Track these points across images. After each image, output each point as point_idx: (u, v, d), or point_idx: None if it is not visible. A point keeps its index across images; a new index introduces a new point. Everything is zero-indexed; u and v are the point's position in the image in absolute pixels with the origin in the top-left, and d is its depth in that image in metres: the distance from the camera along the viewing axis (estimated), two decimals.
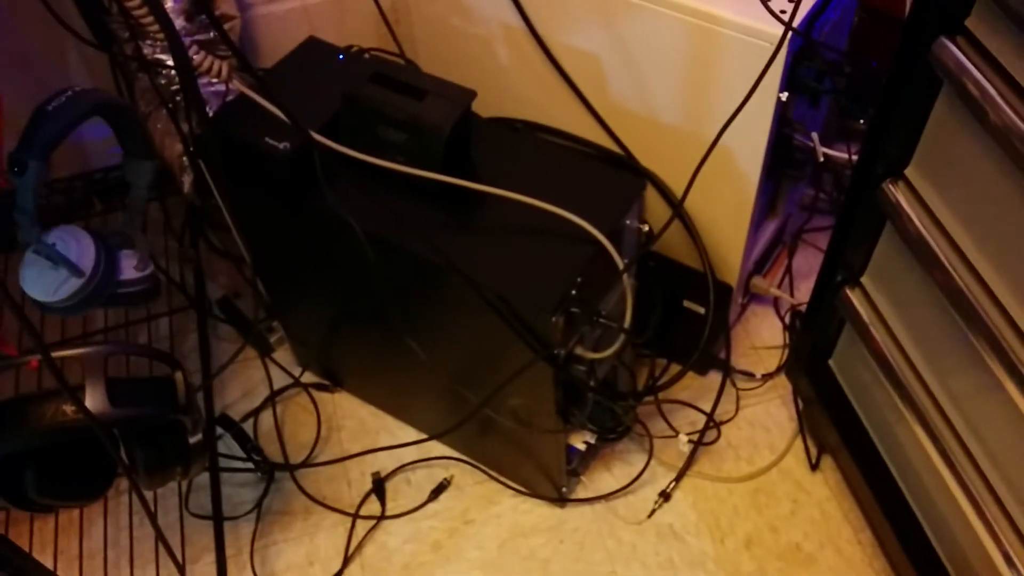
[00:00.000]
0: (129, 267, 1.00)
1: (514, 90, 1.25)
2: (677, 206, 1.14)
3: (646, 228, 1.05)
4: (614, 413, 1.11)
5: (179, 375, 0.85)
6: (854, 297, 1.02)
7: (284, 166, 1.00)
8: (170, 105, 1.17)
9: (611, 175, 1.05)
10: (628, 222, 1.02)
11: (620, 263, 0.95)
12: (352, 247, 0.98)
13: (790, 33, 0.92)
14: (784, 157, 1.14)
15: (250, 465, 1.29)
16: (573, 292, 0.93)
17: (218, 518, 1.20)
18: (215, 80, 1.03)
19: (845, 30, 1.18)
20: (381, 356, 1.25)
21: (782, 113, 1.06)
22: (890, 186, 0.88)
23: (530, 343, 0.95)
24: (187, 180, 1.22)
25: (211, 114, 1.14)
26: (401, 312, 1.08)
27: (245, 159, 1.03)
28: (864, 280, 1.01)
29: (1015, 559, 0.87)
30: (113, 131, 0.98)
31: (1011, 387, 0.79)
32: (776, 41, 0.94)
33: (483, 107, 0.99)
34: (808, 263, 1.49)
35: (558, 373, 0.99)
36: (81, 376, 0.82)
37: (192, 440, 0.86)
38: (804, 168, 1.16)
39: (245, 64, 0.81)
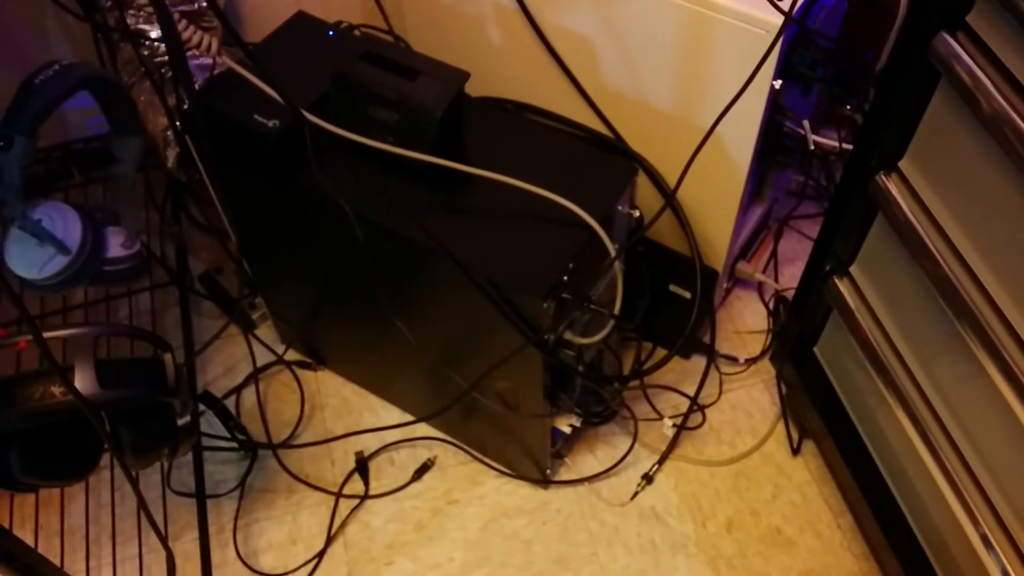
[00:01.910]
0: (116, 244, 0.98)
1: (504, 69, 1.23)
2: (670, 196, 1.14)
3: (636, 214, 1.05)
4: (600, 397, 1.12)
5: (168, 356, 0.84)
6: (842, 286, 1.02)
7: (273, 144, 0.99)
8: (155, 77, 1.15)
9: (602, 160, 1.04)
10: (619, 207, 1.02)
11: (612, 250, 0.95)
12: (341, 227, 0.98)
13: (782, 20, 0.91)
14: (774, 144, 1.14)
15: (233, 444, 1.28)
16: (565, 278, 0.92)
17: (201, 496, 1.19)
18: (201, 54, 1.01)
19: (838, 16, 1.18)
20: (366, 335, 1.24)
21: (774, 100, 1.06)
22: (883, 178, 0.88)
23: (520, 328, 0.95)
24: (171, 154, 1.19)
25: (197, 88, 1.12)
26: (389, 293, 1.07)
27: (232, 136, 1.02)
28: (853, 270, 1.01)
29: (993, 541, 0.88)
30: (100, 106, 0.96)
31: (996, 375, 0.80)
32: (771, 28, 0.94)
33: (472, 86, 0.98)
34: (792, 248, 1.50)
35: (547, 358, 0.99)
36: (64, 356, 0.81)
37: (180, 422, 0.85)
38: (794, 155, 1.16)
39: (237, 40, 0.79)
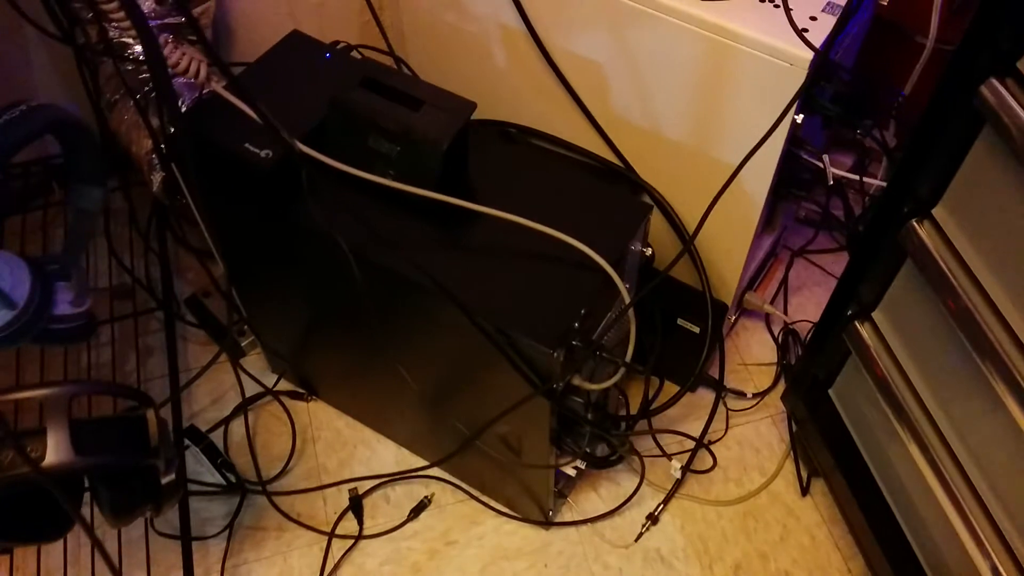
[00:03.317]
0: (64, 302, 0.92)
1: (508, 92, 1.18)
2: (688, 242, 1.09)
3: (649, 252, 1.00)
4: (609, 442, 1.07)
5: (151, 413, 0.78)
6: (864, 331, 0.98)
7: (266, 176, 0.93)
8: (138, 96, 1.09)
9: (614, 195, 0.99)
10: (632, 247, 0.97)
11: (627, 296, 0.89)
12: (337, 264, 0.92)
13: (813, 55, 0.87)
14: (790, 176, 1.09)
15: (220, 482, 1.22)
16: (576, 324, 0.87)
17: (186, 538, 1.13)
18: (188, 79, 0.95)
19: (856, 46, 1.13)
20: (361, 371, 1.19)
21: (792, 133, 1.01)
22: (915, 225, 0.83)
23: (528, 376, 0.90)
24: (156, 178, 1.13)
25: (184, 109, 1.06)
26: (387, 333, 1.02)
27: (222, 164, 0.96)
28: (876, 315, 0.97)
29: None
30: (63, 150, 0.89)
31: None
32: (797, 61, 0.90)
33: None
34: (799, 276, 1.45)
35: (555, 406, 0.94)
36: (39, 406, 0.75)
37: (164, 480, 0.79)
38: (810, 187, 1.11)
39: (226, 73, 0.74)
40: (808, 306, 1.41)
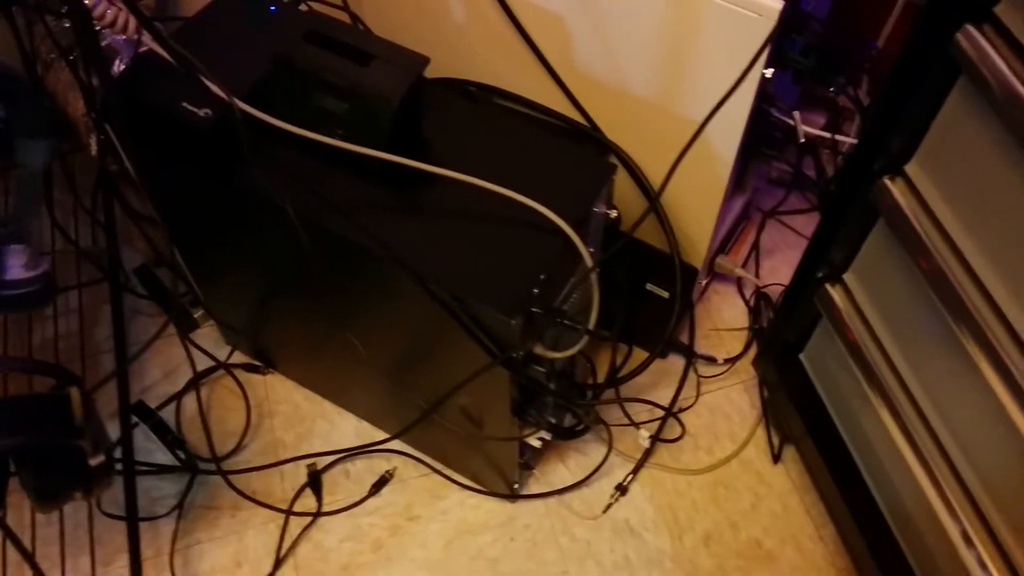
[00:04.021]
0: (17, 265, 0.85)
1: (467, 49, 1.12)
2: (653, 200, 1.04)
3: (614, 214, 0.96)
4: (574, 412, 1.03)
5: (75, 391, 0.72)
6: (835, 293, 0.95)
7: (205, 136, 0.87)
8: (71, 56, 1.02)
9: (577, 154, 0.95)
10: (595, 208, 0.92)
11: (589, 261, 0.85)
12: (285, 230, 0.86)
13: (783, 4, 0.82)
14: (760, 134, 1.05)
15: (172, 461, 1.17)
16: (536, 291, 0.83)
17: (133, 518, 1.08)
18: (115, 33, 0.88)
19: None
20: (318, 342, 1.14)
21: (763, 89, 0.96)
22: (887, 183, 0.79)
23: (486, 345, 0.85)
24: (94, 142, 1.07)
25: (121, 68, 0.99)
26: (340, 303, 0.97)
27: (160, 124, 0.90)
28: (847, 277, 0.93)
29: (978, 545, 0.83)
30: (2, 103, 0.83)
31: (1002, 392, 0.74)
32: (765, 12, 0.85)
33: (431, 66, 0.87)
34: (771, 238, 1.42)
35: (515, 376, 0.90)
36: None
37: (93, 462, 0.74)
38: (781, 146, 1.07)
39: (148, 26, 0.68)
40: (781, 269, 1.38)
